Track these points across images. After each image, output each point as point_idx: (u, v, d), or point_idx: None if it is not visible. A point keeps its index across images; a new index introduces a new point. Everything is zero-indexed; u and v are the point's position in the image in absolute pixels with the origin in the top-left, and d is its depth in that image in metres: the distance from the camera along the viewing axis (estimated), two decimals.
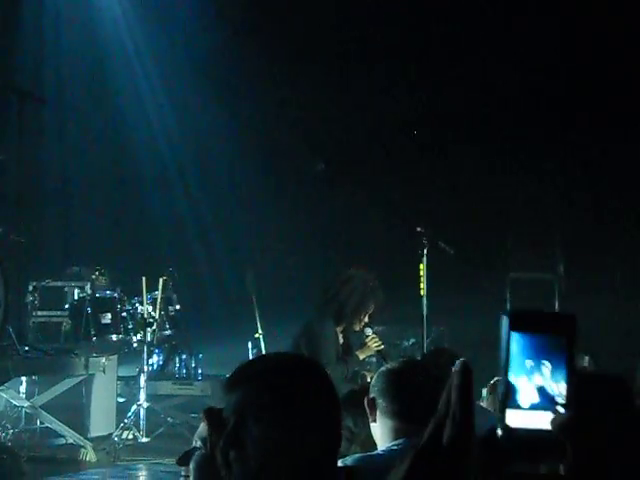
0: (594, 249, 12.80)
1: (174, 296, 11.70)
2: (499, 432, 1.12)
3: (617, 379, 1.29)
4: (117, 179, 14.86)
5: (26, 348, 9.42)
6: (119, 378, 10.91)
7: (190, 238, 15.05)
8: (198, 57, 14.54)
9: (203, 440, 2.38)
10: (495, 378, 4.89)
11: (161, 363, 12.11)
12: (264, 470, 2.21)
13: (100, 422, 10.22)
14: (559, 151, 13.28)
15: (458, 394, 1.13)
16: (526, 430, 1.13)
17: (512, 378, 1.15)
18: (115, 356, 10.61)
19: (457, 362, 1.17)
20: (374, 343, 7.45)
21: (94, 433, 10.03)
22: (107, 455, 9.55)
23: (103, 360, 10.23)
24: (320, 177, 9.28)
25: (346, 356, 7.38)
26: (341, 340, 7.43)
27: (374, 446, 3.56)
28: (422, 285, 7.82)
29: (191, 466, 2.40)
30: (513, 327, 1.16)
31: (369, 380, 7.06)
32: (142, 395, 10.24)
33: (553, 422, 1.12)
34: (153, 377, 11.21)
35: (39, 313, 11.35)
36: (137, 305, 11.02)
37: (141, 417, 10.09)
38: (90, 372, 10.11)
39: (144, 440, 9.94)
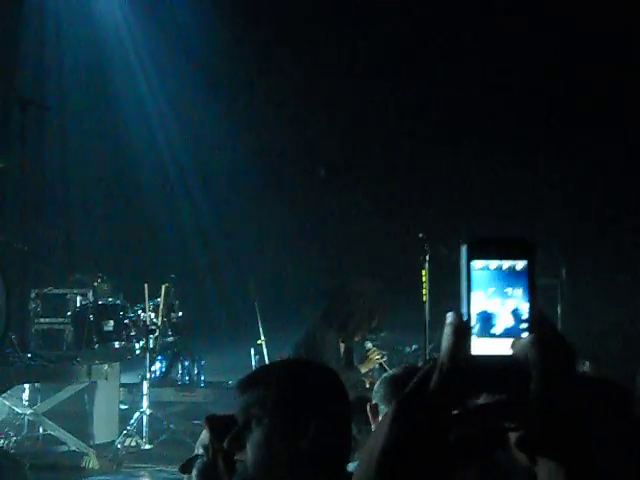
0: (596, 253, 12.79)
1: (176, 303, 11.69)
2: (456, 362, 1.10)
3: (618, 387, 1.28)
4: (119, 186, 14.86)
5: (28, 355, 9.41)
6: (121, 385, 10.90)
7: (192, 245, 15.06)
8: (200, 62, 14.56)
9: (205, 447, 2.38)
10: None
11: (164, 370, 12.10)
12: (258, 472, 2.22)
13: (103, 429, 10.21)
14: (561, 153, 13.27)
15: (448, 344, 1.12)
16: (486, 357, 1.10)
17: (476, 306, 1.12)
18: (117, 363, 10.60)
19: (448, 314, 1.15)
20: (375, 355, 7.49)
21: (97, 440, 10.01)
22: (110, 462, 9.52)
23: (106, 367, 10.21)
24: (322, 183, 9.28)
25: (347, 366, 7.38)
26: (342, 349, 7.43)
27: None
28: (424, 291, 7.81)
29: (193, 473, 2.40)
30: (472, 256, 1.14)
31: (367, 386, 7.09)
32: (145, 402, 10.22)
33: (513, 345, 1.11)
34: (156, 384, 11.20)
35: (41, 320, 11.36)
36: (139, 312, 11.02)
37: (144, 424, 10.07)
38: (93, 379, 10.10)
39: (147, 447, 9.93)
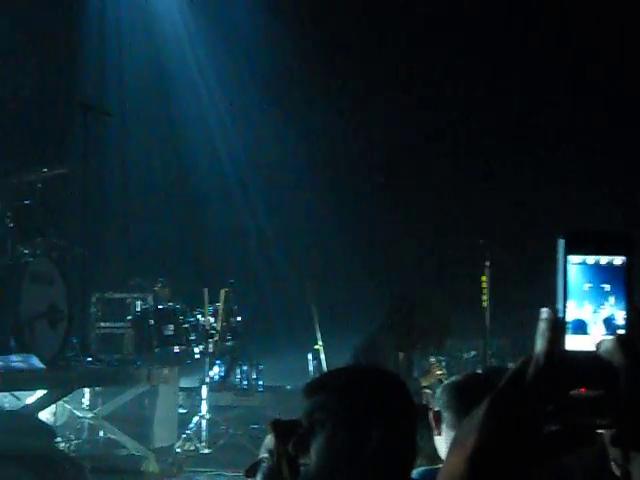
0: None
1: (235, 308, 11.75)
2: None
3: None
4: (179, 191, 14.96)
5: (89, 359, 9.48)
6: (181, 389, 10.96)
7: (251, 250, 15.11)
8: (260, 68, 14.61)
9: (269, 452, 2.38)
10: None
11: (222, 374, 12.13)
12: (322, 477, 2.22)
13: (162, 433, 10.26)
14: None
15: (544, 340, 1.10)
16: (578, 352, 1.08)
17: (571, 305, 1.09)
18: (177, 367, 10.66)
19: (543, 310, 1.13)
20: (437, 371, 7.49)
21: (156, 444, 10.06)
22: (169, 466, 9.58)
23: (165, 371, 10.27)
24: (378, 190, 9.28)
25: (405, 375, 7.36)
26: (401, 358, 7.41)
27: (440, 460, 3.55)
28: (484, 297, 7.78)
29: (258, 477, 2.40)
30: (569, 250, 1.09)
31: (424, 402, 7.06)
32: (204, 406, 10.28)
33: (601, 343, 1.09)
34: (214, 388, 11.24)
35: (102, 324, 11.46)
36: (199, 316, 11.08)
37: (203, 428, 10.12)
38: (152, 383, 10.15)
39: (206, 451, 9.97)
